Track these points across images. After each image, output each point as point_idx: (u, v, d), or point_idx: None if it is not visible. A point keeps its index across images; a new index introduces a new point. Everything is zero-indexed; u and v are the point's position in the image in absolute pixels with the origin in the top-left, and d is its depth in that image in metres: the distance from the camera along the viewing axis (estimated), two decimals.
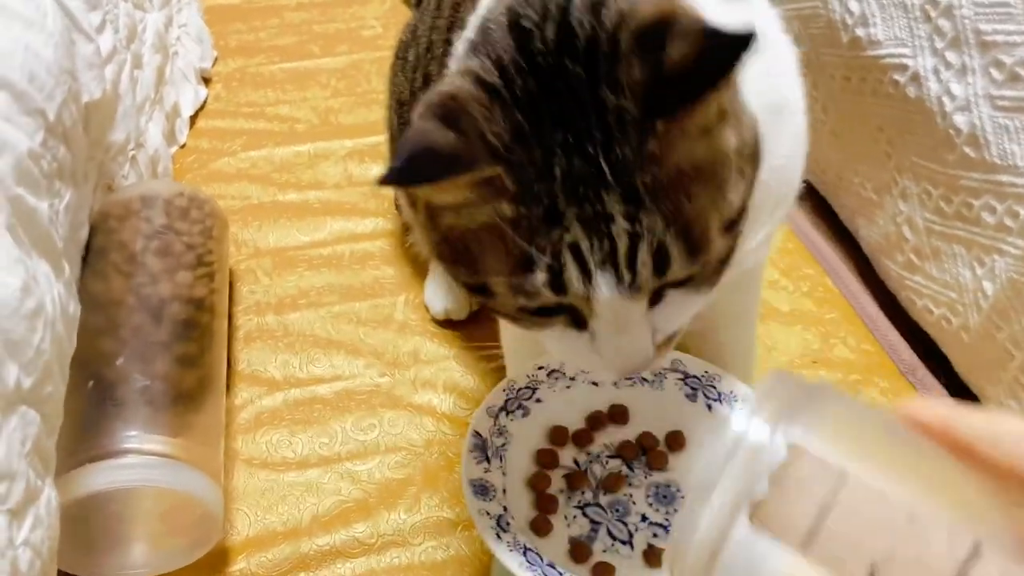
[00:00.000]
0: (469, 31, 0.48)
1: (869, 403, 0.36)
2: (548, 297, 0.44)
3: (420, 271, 0.89)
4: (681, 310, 0.46)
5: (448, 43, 0.61)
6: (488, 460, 0.58)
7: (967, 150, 0.72)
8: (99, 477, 0.59)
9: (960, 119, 0.73)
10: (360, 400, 0.78)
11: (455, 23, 0.61)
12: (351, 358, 0.82)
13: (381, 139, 1.02)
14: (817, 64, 0.92)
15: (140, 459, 0.61)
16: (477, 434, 0.59)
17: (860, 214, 0.92)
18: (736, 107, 0.44)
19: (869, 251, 0.92)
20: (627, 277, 0.42)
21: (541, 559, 0.52)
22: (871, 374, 0.81)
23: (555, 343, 0.48)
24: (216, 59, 1.20)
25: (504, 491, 0.57)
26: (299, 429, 0.76)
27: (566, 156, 0.42)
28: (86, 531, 0.63)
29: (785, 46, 0.57)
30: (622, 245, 0.42)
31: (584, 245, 0.42)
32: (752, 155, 0.45)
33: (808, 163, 0.98)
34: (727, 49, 0.39)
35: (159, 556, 0.65)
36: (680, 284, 0.45)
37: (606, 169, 0.41)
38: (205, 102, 1.13)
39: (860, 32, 0.83)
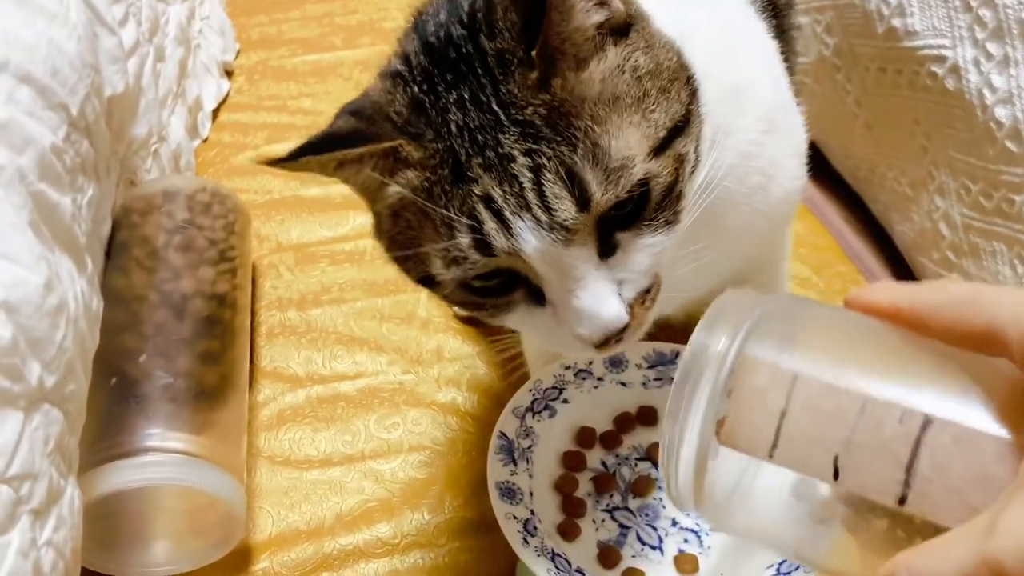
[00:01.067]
0: None
1: (822, 302, 0.36)
2: (477, 259, 0.42)
3: None
4: (643, 256, 0.44)
5: None
6: (515, 462, 0.57)
7: (1009, 144, 0.70)
8: (121, 476, 0.58)
9: (1002, 112, 0.70)
10: (383, 398, 0.77)
11: None
12: (374, 355, 0.81)
13: None
14: (850, 56, 0.89)
15: (162, 457, 0.60)
16: (503, 435, 0.58)
17: (894, 210, 0.90)
18: (646, 32, 0.45)
19: (904, 248, 0.89)
20: (544, 217, 0.41)
21: (569, 565, 0.51)
22: None
23: (523, 327, 0.48)
24: (238, 52, 1.20)
25: (531, 494, 0.56)
26: (322, 427, 0.75)
27: (461, 111, 0.42)
28: (109, 528, 0.62)
29: (750, 35, 0.57)
30: (527, 182, 0.41)
31: (496, 193, 0.41)
32: (677, 77, 0.44)
33: (839, 157, 0.97)
34: None
35: (183, 554, 0.65)
36: (628, 224, 0.43)
37: (499, 111, 0.41)
38: (227, 95, 1.12)
39: (896, 22, 0.80)
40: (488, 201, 0.41)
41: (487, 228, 0.41)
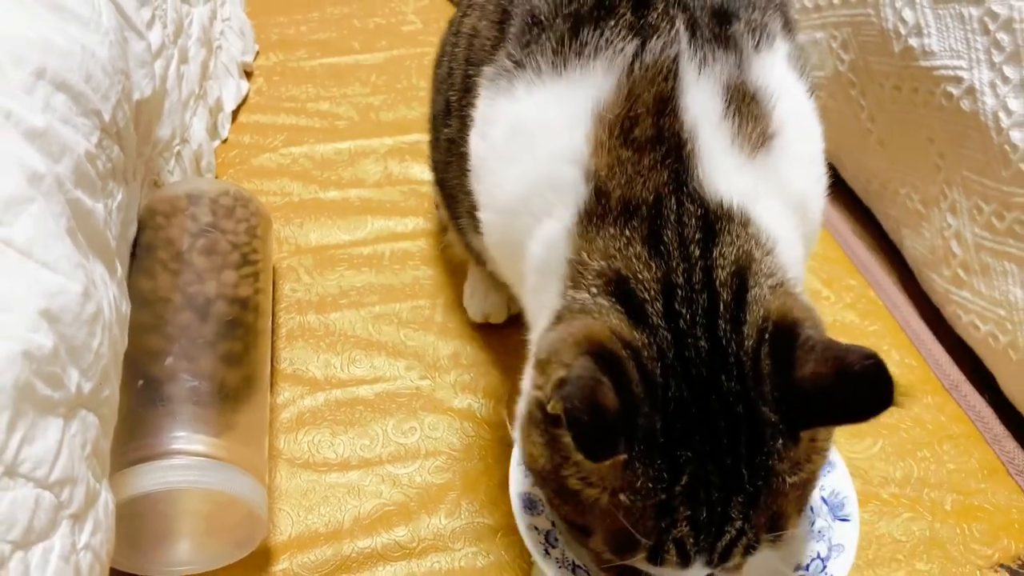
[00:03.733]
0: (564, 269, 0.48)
1: None
2: (640, 563, 0.45)
3: (458, 272, 0.89)
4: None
5: (468, 77, 0.61)
6: None
7: None
8: (149, 478, 0.59)
9: (1017, 136, 0.71)
10: (401, 402, 0.79)
11: (471, 56, 0.62)
12: (392, 360, 0.82)
13: (420, 137, 1.02)
14: (866, 72, 0.90)
15: (188, 460, 0.62)
16: None
17: (906, 225, 0.91)
18: None
19: (914, 263, 0.91)
20: (716, 560, 0.44)
21: None
22: (915, 389, 0.81)
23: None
24: (257, 53, 1.21)
25: None
26: (340, 430, 0.77)
27: (699, 462, 0.42)
28: (133, 528, 0.63)
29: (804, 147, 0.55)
30: (725, 541, 0.43)
31: (691, 540, 0.43)
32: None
33: (852, 171, 0.98)
34: (877, 389, 0.39)
35: (205, 554, 0.66)
36: None
37: (745, 475, 0.42)
38: (247, 96, 1.13)
39: (913, 42, 0.81)
40: (679, 542, 0.43)
41: (668, 558, 0.44)
